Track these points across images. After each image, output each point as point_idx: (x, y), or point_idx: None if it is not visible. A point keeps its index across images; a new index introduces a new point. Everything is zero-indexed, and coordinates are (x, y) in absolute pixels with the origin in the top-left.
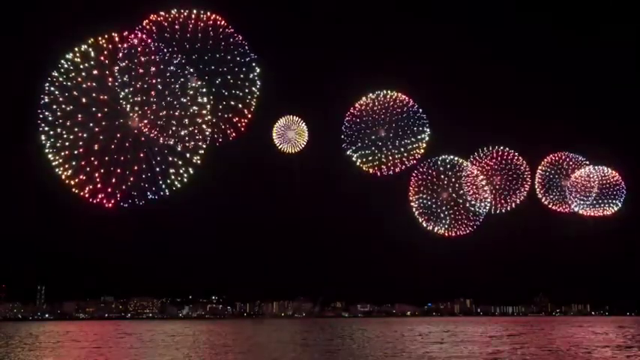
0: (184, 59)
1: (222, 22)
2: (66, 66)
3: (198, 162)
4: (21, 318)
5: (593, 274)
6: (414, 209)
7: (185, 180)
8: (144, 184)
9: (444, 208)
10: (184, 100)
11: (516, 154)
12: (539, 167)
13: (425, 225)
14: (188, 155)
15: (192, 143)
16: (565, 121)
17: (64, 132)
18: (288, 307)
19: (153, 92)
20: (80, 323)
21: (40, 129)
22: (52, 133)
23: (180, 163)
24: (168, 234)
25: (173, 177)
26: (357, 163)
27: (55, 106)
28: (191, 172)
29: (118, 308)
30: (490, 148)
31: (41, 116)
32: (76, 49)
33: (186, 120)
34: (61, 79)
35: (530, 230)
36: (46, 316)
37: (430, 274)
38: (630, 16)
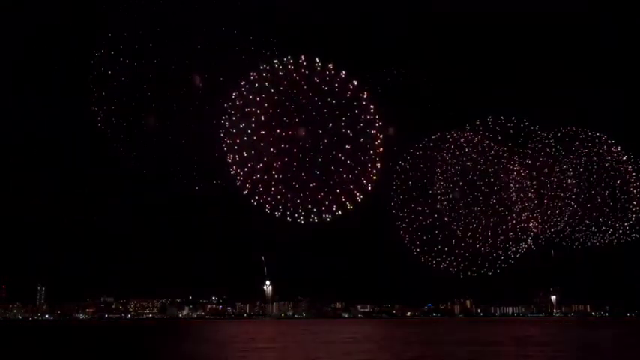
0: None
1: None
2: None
3: None
4: (21, 318)
5: (593, 274)
6: None
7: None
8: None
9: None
10: None
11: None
12: None
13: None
14: None
15: None
16: None
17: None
18: (288, 308)
19: None
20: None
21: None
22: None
23: None
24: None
25: None
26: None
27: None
28: None
29: (118, 308)
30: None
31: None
32: None
33: None
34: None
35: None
36: (46, 316)
37: (430, 275)
38: None
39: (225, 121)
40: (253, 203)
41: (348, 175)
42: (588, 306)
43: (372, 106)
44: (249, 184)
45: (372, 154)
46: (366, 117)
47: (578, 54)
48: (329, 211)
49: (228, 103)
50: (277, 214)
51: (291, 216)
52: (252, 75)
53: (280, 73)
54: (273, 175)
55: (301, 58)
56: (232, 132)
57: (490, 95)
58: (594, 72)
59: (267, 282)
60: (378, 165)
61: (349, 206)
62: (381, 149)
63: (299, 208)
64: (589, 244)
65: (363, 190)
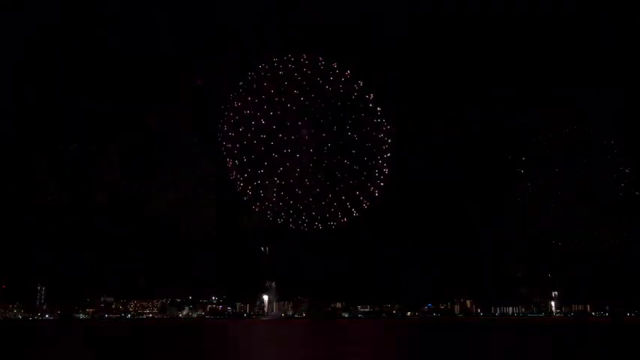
0: None
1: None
2: None
3: None
4: (21, 318)
5: (593, 274)
6: None
7: None
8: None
9: None
10: None
11: None
12: None
13: None
14: None
15: None
16: None
17: None
18: (289, 308)
19: None
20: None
21: None
22: None
23: None
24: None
25: None
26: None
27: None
28: None
29: (118, 308)
30: None
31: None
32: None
33: None
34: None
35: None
36: (47, 316)
37: (430, 275)
38: None
39: (223, 124)
40: (255, 210)
41: (353, 181)
42: (588, 306)
43: (378, 108)
44: (250, 190)
45: (379, 159)
46: (372, 120)
47: (578, 54)
48: (334, 218)
49: (226, 105)
50: (280, 220)
51: (295, 223)
52: (251, 75)
53: (281, 72)
54: (275, 180)
55: (303, 57)
56: (231, 135)
57: (490, 95)
58: (594, 72)
59: (273, 283)
60: (386, 170)
61: (355, 213)
62: (389, 154)
63: (303, 215)
64: (591, 246)
65: (369, 196)
